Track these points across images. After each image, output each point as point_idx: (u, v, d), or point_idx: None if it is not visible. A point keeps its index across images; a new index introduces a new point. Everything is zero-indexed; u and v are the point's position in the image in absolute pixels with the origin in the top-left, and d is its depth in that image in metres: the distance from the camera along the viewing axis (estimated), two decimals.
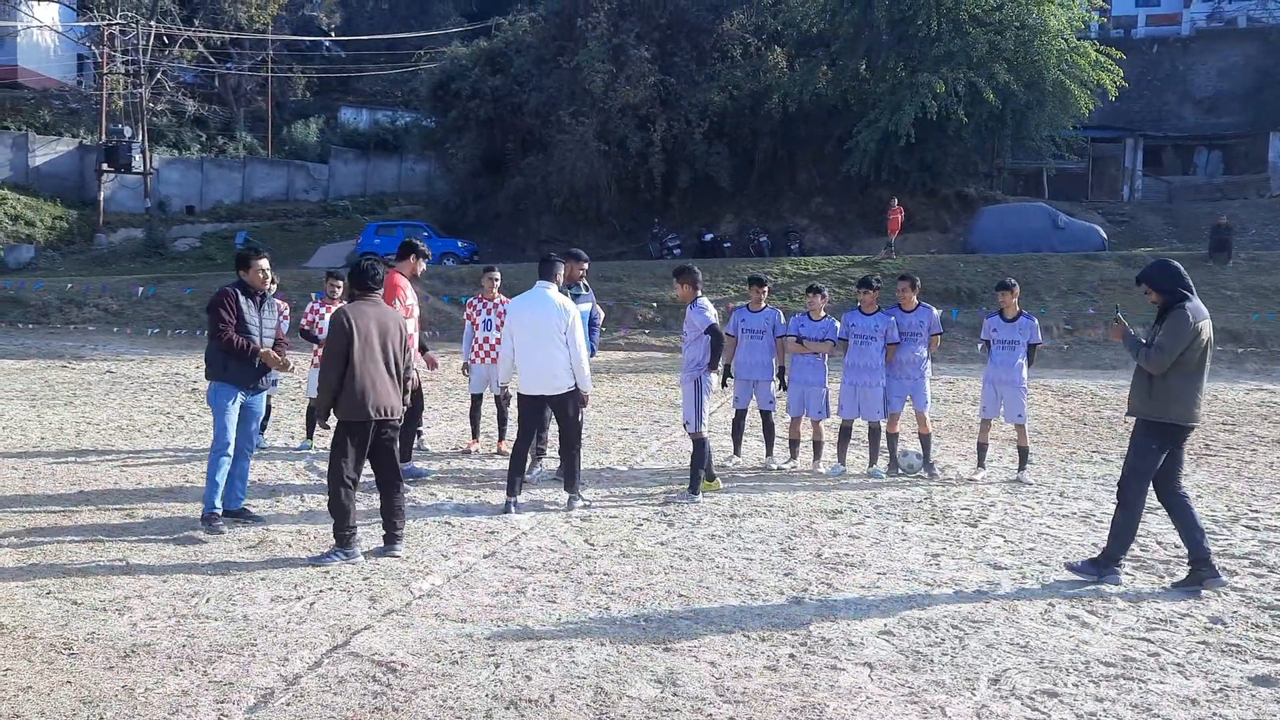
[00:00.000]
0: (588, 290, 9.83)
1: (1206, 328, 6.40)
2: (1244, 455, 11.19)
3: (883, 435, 10.00)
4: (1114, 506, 6.60)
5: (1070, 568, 6.58)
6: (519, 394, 8.29)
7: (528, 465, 8.77)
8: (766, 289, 10.51)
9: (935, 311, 10.08)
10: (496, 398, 10.82)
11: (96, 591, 5.91)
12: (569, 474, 8.34)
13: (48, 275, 31.38)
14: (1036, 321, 9.98)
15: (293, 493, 8.72)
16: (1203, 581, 6.23)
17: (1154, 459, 6.40)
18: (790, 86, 32.19)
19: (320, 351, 10.66)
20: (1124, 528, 6.48)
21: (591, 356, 8.75)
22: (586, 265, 9.73)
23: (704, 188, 33.51)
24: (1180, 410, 6.37)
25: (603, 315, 10.15)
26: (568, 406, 8.16)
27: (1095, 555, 6.63)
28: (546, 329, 8.02)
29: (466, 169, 35.99)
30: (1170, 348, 6.29)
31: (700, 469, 8.77)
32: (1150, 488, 6.47)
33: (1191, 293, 6.47)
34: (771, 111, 32.58)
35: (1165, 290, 6.51)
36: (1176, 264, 6.63)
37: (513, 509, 8.03)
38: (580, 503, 8.30)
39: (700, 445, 8.72)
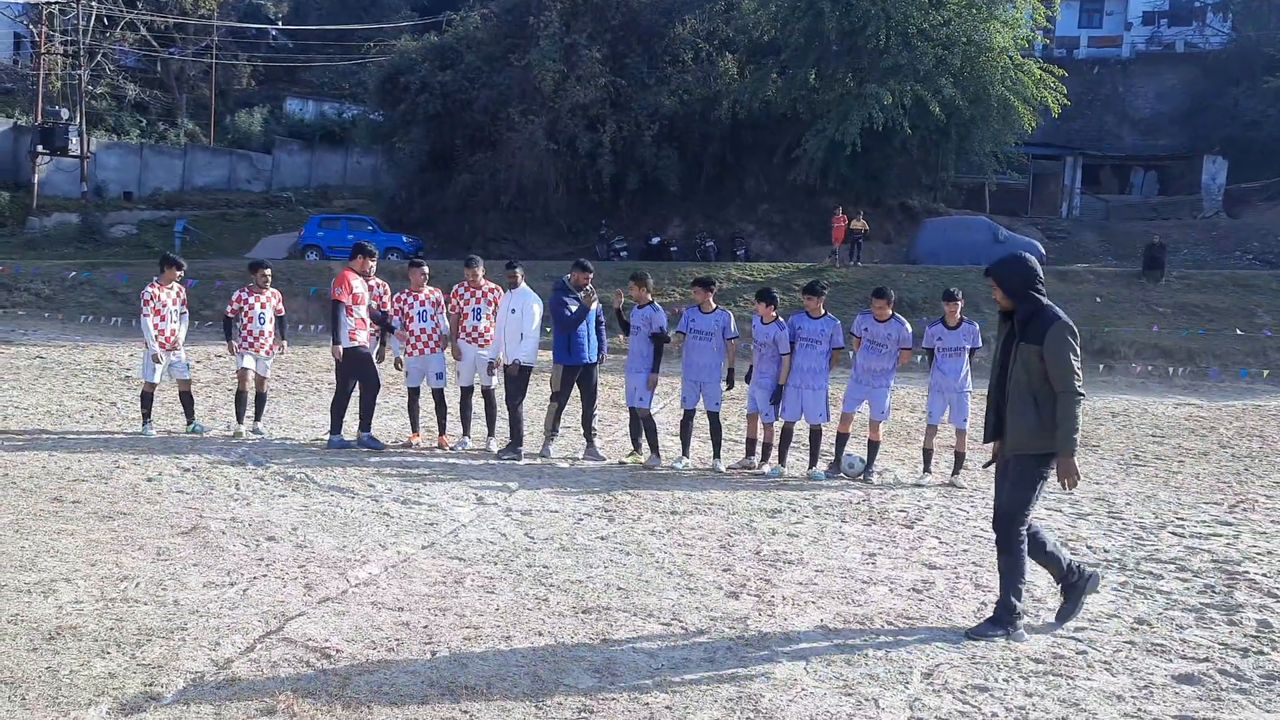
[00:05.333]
0: (593, 293, 10.49)
1: None
2: (1171, 466, 11.45)
3: (823, 438, 10.10)
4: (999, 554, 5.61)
5: (971, 634, 5.43)
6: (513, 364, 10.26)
7: (543, 445, 10.59)
8: (713, 291, 10.53)
9: (907, 326, 10.08)
10: (435, 391, 10.79)
11: (21, 574, 5.77)
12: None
13: None
14: (978, 327, 10.14)
15: (227, 481, 8.57)
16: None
17: (1040, 492, 5.53)
18: (740, 93, 32.35)
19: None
20: (1016, 575, 5.48)
21: (602, 351, 10.60)
22: (590, 274, 10.42)
23: (652, 191, 33.55)
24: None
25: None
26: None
27: (991, 614, 5.57)
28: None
29: (413, 164, 35.66)
30: (1074, 363, 5.35)
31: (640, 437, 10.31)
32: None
33: (1044, 294, 5.54)
34: (721, 117, 32.72)
35: (1018, 293, 5.53)
36: (1034, 261, 5.63)
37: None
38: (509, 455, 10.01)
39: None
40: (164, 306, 10.63)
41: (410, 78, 34.46)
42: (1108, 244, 35.16)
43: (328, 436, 10.51)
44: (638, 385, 10.20)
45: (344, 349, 10.17)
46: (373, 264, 10.61)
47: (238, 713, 4.17)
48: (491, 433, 10.83)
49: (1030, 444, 5.45)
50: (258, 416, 11.02)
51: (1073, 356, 5.37)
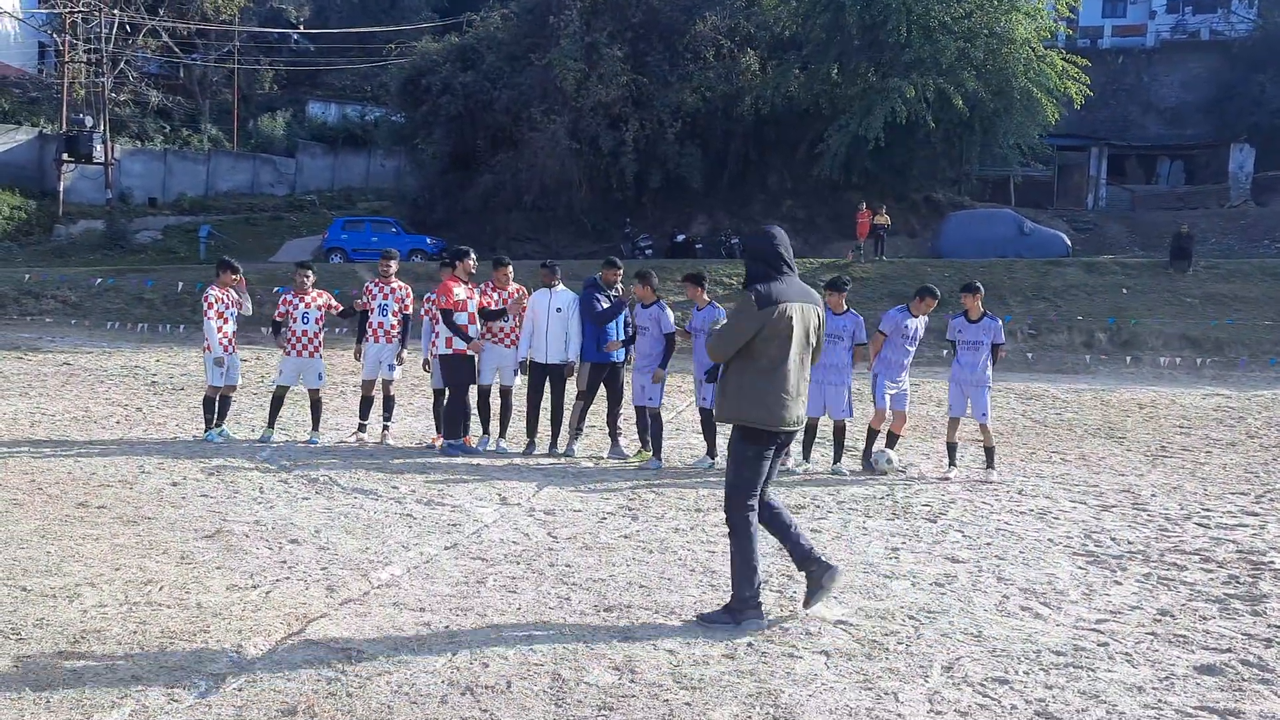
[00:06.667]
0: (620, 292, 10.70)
1: (789, 315, 5.25)
2: (1199, 457, 11.34)
3: (847, 434, 10.10)
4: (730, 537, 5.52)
5: (702, 619, 5.39)
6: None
7: (566, 442, 10.66)
8: (704, 287, 10.49)
9: (861, 320, 10.23)
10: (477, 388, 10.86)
11: (47, 578, 5.83)
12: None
13: (5, 266, 30.92)
14: (1000, 323, 10.11)
15: (251, 485, 8.64)
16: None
17: (753, 468, 5.42)
18: (762, 89, 32.33)
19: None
20: (743, 560, 5.36)
21: (628, 351, 10.58)
22: (620, 271, 10.69)
23: (676, 188, 33.53)
24: (759, 412, 5.29)
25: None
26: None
27: (728, 602, 5.43)
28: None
29: (436, 165, 35.79)
30: (726, 333, 5.29)
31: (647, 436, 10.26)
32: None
33: (781, 271, 5.31)
34: (743, 114, 32.68)
35: (748, 267, 5.46)
36: (775, 235, 5.43)
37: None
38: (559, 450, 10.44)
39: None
40: (225, 309, 10.76)
41: (431, 79, 34.61)
42: (1134, 234, 34.89)
43: (446, 442, 10.52)
44: (645, 384, 10.22)
45: (443, 355, 10.37)
46: (473, 263, 10.64)
47: (259, 714, 4.20)
48: (502, 434, 10.84)
49: (722, 412, 5.51)
50: (315, 426, 11.01)
51: (733, 327, 5.31)
